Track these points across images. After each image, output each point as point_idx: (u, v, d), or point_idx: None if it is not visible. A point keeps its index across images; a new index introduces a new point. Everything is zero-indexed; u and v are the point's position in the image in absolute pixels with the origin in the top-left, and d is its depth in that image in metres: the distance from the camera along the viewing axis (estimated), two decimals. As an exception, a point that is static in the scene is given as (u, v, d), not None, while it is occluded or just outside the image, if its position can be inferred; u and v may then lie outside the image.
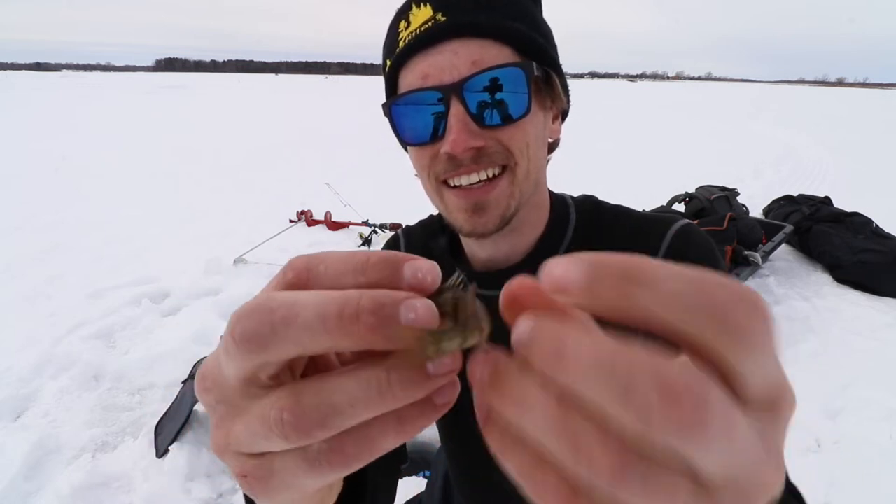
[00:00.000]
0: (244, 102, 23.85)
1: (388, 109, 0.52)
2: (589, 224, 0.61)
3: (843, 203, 4.59)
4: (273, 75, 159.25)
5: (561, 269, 0.15)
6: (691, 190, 4.56)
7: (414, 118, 0.50)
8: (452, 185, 0.52)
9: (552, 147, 0.58)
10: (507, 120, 0.48)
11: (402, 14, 0.51)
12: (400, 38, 0.50)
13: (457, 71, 0.47)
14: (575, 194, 0.67)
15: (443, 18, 0.47)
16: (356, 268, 0.18)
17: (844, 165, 8.49)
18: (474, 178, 0.50)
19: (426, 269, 0.18)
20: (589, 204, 0.63)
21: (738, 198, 4.48)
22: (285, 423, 0.17)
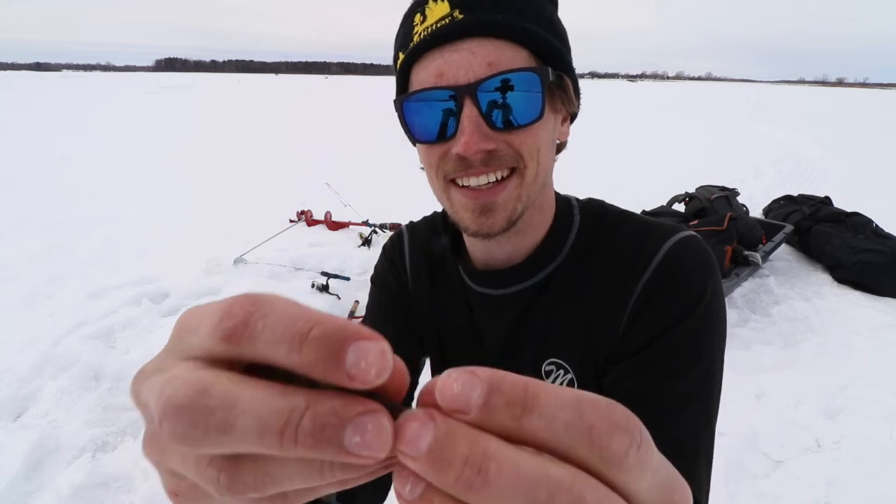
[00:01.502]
0: (244, 102, 23.85)
1: (400, 105, 0.51)
2: (592, 228, 0.60)
3: (843, 203, 4.59)
4: (273, 75, 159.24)
5: (457, 388, 0.15)
6: (691, 190, 4.56)
7: (426, 116, 0.49)
8: (461, 184, 0.51)
9: (559, 148, 0.58)
10: (520, 124, 0.48)
11: (418, 6, 0.50)
12: (415, 31, 0.49)
13: (472, 71, 0.46)
14: (581, 196, 0.67)
15: (460, 16, 0.46)
16: (293, 338, 0.16)
17: (844, 165, 8.49)
18: (483, 179, 0.50)
19: (372, 360, 0.15)
20: (594, 207, 0.63)
21: (738, 198, 4.48)
22: (220, 484, 0.16)
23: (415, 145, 0.55)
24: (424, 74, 0.49)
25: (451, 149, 0.49)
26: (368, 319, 0.75)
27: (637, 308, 0.54)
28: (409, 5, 0.52)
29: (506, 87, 0.46)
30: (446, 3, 0.47)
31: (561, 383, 0.59)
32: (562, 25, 0.53)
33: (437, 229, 0.71)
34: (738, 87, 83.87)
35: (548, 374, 0.60)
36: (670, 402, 0.51)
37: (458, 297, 0.67)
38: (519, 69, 0.46)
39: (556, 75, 0.49)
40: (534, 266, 0.60)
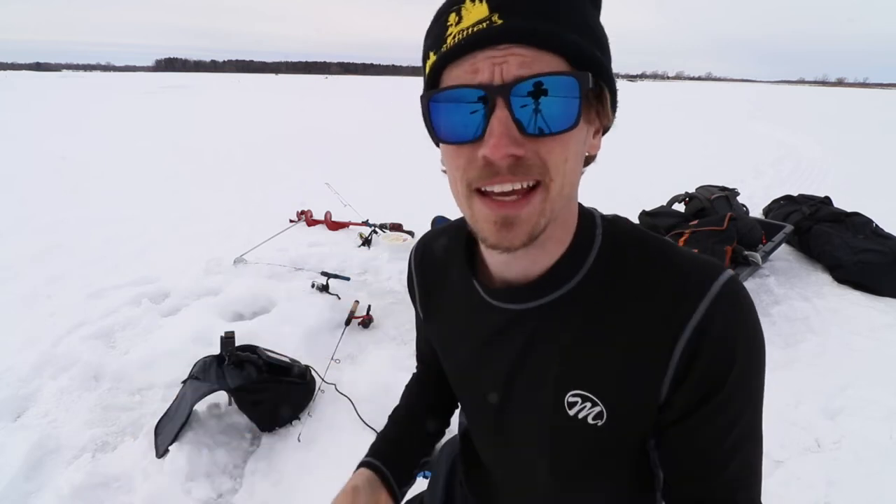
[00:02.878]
0: (244, 102, 23.83)
1: (427, 102, 0.48)
2: (613, 253, 0.57)
3: (843, 203, 4.59)
4: (273, 75, 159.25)
5: None
6: (691, 190, 4.56)
7: (454, 115, 0.46)
8: (484, 191, 0.49)
9: (588, 161, 0.55)
10: (552, 131, 0.45)
11: (454, 4, 0.47)
12: (448, 33, 0.46)
13: (507, 73, 0.44)
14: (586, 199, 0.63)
15: (499, 21, 0.43)
16: None
17: (844, 165, 8.49)
18: (507, 187, 0.47)
19: None
20: (618, 228, 0.59)
21: (738, 198, 4.48)
22: None
23: (437, 145, 0.53)
24: (457, 73, 0.47)
25: (478, 152, 0.46)
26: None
27: (681, 371, 0.52)
28: (442, 1, 0.50)
29: (540, 91, 0.43)
30: (485, 5, 0.44)
31: (586, 416, 0.57)
32: (604, 33, 0.50)
33: (452, 237, 0.70)
34: (738, 87, 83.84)
35: (571, 405, 0.57)
36: (725, 450, 0.54)
37: (468, 308, 0.65)
38: (556, 72, 0.44)
39: (595, 83, 0.47)
40: (550, 283, 0.57)
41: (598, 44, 0.48)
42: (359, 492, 0.72)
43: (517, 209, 0.48)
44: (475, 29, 0.44)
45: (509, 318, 0.60)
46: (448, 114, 0.47)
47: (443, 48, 0.46)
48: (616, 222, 0.60)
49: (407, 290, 0.78)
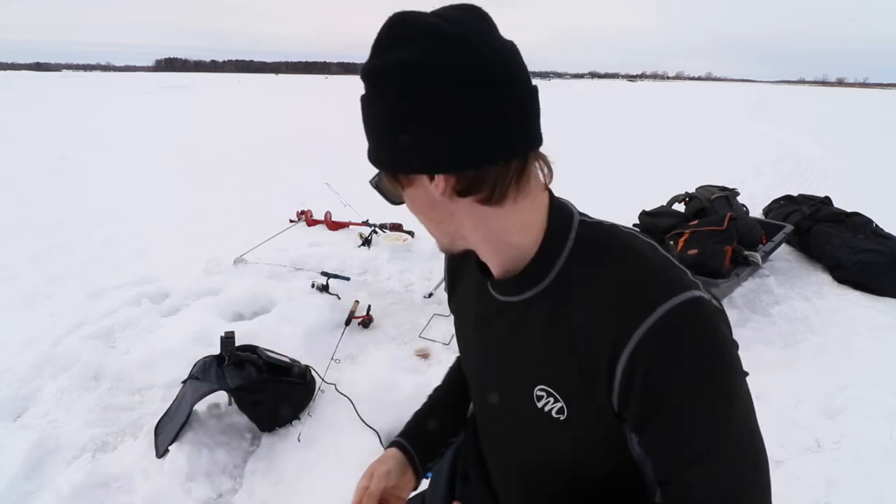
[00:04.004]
0: (244, 102, 23.84)
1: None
2: (582, 259, 0.59)
3: (843, 203, 4.59)
4: (273, 75, 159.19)
5: None
6: (691, 190, 4.56)
7: None
8: None
9: (463, 189, 0.57)
10: (396, 203, 0.65)
11: None
12: None
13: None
14: (580, 196, 0.68)
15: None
16: None
17: (844, 165, 8.49)
18: None
19: None
20: (595, 234, 0.61)
21: (738, 198, 4.48)
22: None
23: None
24: None
25: None
26: None
27: (624, 387, 0.53)
28: None
29: (379, 186, 0.64)
30: None
31: (551, 410, 0.60)
32: (403, 122, 0.54)
33: None
34: (738, 87, 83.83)
35: (539, 398, 0.61)
36: (680, 465, 0.54)
37: (478, 298, 0.72)
38: (375, 177, 0.63)
39: (388, 175, 0.61)
40: (528, 280, 0.62)
41: (387, 143, 0.57)
42: (391, 476, 0.81)
43: None
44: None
45: (501, 307, 0.66)
46: None
47: None
48: (594, 227, 0.62)
49: (406, 290, 0.88)
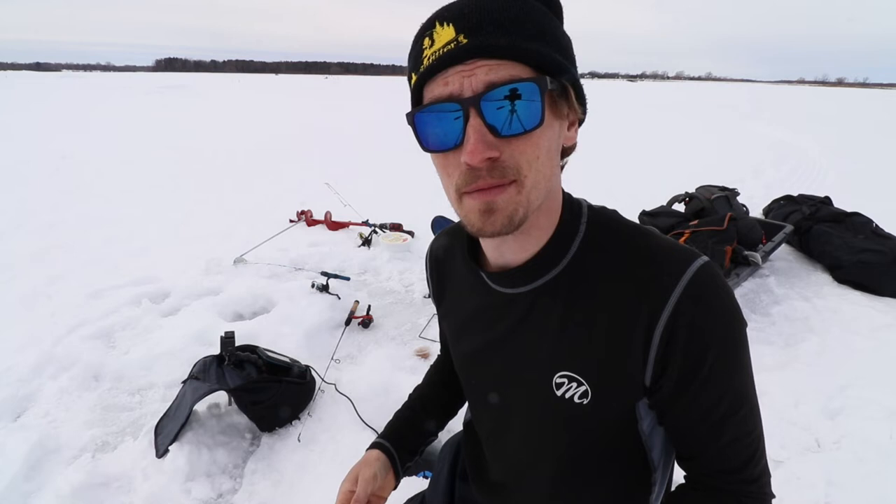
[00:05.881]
0: (244, 102, 23.84)
1: (412, 118, 0.55)
2: (597, 241, 0.61)
3: (843, 203, 4.59)
4: (273, 75, 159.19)
5: None
6: (691, 190, 4.56)
7: (435, 127, 0.53)
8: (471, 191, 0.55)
9: (567, 152, 0.61)
10: (523, 130, 0.51)
11: (427, 30, 0.53)
12: (424, 55, 0.53)
13: (476, 85, 0.50)
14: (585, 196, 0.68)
15: (464, 40, 0.49)
16: None
17: (844, 165, 8.49)
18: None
19: None
20: (603, 218, 0.64)
21: (738, 198, 4.48)
22: None
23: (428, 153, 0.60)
24: (435, 91, 0.53)
25: (461, 158, 0.52)
26: None
27: (661, 356, 0.56)
28: (419, 27, 0.55)
29: (507, 97, 0.49)
30: (451, 28, 0.50)
31: (573, 396, 0.61)
32: (565, 38, 0.56)
33: (454, 237, 0.78)
34: (738, 87, 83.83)
35: (558, 386, 0.62)
36: (713, 424, 0.59)
37: (473, 295, 0.71)
38: (518, 79, 0.49)
39: (556, 84, 0.52)
40: (538, 269, 0.62)
41: (557, 48, 0.53)
42: (377, 480, 0.82)
43: (495, 195, 0.53)
44: (445, 49, 0.50)
45: (505, 301, 0.66)
46: (430, 126, 0.53)
47: (420, 69, 0.53)
48: (602, 212, 0.65)
49: (406, 290, 0.87)
